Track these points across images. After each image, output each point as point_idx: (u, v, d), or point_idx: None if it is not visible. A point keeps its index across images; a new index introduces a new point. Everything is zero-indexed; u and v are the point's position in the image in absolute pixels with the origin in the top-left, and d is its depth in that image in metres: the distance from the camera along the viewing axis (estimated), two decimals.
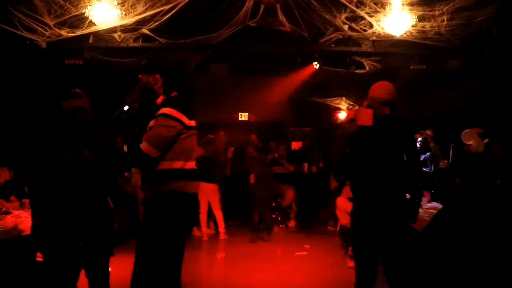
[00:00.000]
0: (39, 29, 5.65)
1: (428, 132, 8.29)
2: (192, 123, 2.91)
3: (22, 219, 4.35)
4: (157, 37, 6.47)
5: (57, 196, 3.12)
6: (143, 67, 3.18)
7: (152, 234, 2.79)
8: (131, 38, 6.54)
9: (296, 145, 11.14)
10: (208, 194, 7.32)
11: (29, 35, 5.77)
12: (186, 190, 2.86)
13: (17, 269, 4.06)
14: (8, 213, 4.63)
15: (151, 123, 2.84)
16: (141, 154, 2.73)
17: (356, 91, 9.65)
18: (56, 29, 5.66)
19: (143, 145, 2.73)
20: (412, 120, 3.49)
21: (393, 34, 5.91)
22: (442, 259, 2.77)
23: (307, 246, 6.84)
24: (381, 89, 3.15)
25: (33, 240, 3.47)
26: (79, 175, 3.12)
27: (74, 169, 3.10)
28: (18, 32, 5.60)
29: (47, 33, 5.75)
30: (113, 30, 6.20)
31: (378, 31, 6.01)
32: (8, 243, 3.94)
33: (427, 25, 5.67)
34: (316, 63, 8.47)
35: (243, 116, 12.30)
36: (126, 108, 2.85)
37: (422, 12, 5.43)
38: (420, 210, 4.93)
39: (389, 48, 6.76)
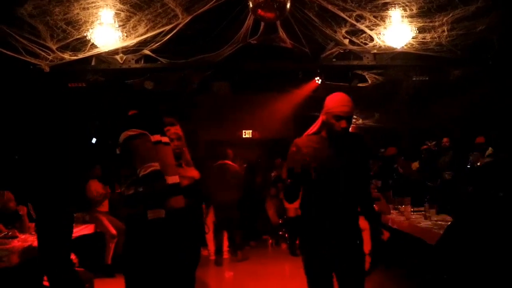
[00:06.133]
0: (42, 53, 5.69)
1: (429, 143, 8.25)
2: (156, 138, 2.90)
3: (28, 243, 4.32)
4: (158, 58, 6.50)
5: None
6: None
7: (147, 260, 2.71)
8: (133, 59, 6.57)
9: None
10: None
11: (33, 60, 5.81)
12: (168, 208, 2.80)
13: None
14: (15, 237, 4.61)
15: (118, 150, 2.82)
16: (156, 172, 2.68)
17: (359, 104, 9.65)
18: (59, 53, 5.70)
19: (149, 166, 2.68)
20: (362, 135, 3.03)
21: (394, 47, 5.91)
22: (457, 273, 2.71)
23: None
24: (334, 102, 2.78)
25: (40, 261, 3.47)
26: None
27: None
28: (22, 58, 5.64)
29: (50, 57, 5.79)
30: (115, 52, 6.24)
31: (379, 44, 6.01)
32: (15, 268, 3.91)
33: (428, 36, 5.67)
34: (318, 78, 8.48)
35: (247, 134, 12.30)
36: (94, 140, 2.89)
37: (422, 24, 5.44)
38: (429, 222, 4.89)
39: (390, 60, 6.75)
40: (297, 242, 7.37)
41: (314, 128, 2.87)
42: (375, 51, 6.46)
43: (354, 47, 6.33)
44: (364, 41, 6.06)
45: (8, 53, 5.43)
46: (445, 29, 5.44)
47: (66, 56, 5.80)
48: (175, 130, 3.46)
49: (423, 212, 5.30)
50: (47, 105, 7.42)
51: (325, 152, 2.72)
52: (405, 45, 5.86)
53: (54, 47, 5.57)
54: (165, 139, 3.01)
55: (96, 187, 6.56)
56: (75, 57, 5.87)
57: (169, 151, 3.02)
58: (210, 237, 7.55)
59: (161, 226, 2.67)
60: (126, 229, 2.92)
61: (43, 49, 5.59)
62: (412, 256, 5.09)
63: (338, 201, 2.68)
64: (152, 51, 6.29)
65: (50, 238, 4.09)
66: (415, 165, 7.80)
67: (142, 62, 6.71)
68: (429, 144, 8.20)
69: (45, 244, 4.08)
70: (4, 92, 6.72)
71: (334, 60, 6.85)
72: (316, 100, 10.24)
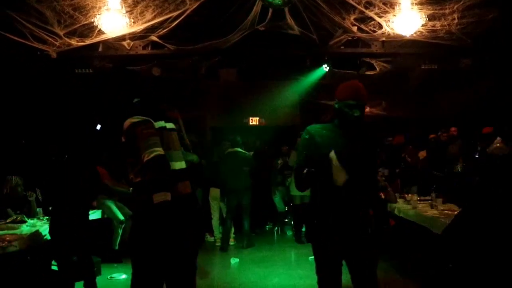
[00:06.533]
0: (50, 39, 5.69)
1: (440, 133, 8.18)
2: (160, 124, 2.88)
3: (37, 228, 4.37)
4: (166, 44, 6.48)
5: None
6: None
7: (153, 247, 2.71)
8: (140, 45, 6.55)
9: None
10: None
11: (40, 46, 5.82)
12: (175, 194, 2.80)
13: (33, 278, 4.08)
14: (23, 222, 4.65)
15: (123, 138, 2.81)
16: (160, 156, 2.67)
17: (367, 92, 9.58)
18: (66, 39, 5.70)
19: (153, 151, 2.67)
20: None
21: (403, 34, 5.85)
22: (464, 262, 2.70)
23: None
24: (348, 90, 2.71)
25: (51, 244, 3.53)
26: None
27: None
28: (29, 43, 5.64)
29: (57, 43, 5.79)
30: (122, 38, 6.22)
31: (388, 31, 5.96)
32: (24, 252, 3.95)
33: (438, 24, 5.60)
34: (325, 65, 8.43)
35: (254, 121, 12.27)
36: (99, 127, 2.86)
37: (432, 11, 5.37)
38: (435, 211, 4.88)
39: (399, 48, 6.69)
40: (302, 229, 7.42)
41: (327, 118, 2.86)
42: (383, 38, 6.41)
43: (363, 35, 6.28)
44: (372, 29, 6.01)
45: (16, 39, 5.44)
46: (456, 17, 5.37)
47: (73, 42, 5.80)
48: (172, 114, 3.43)
49: (429, 201, 5.29)
50: (54, 91, 7.44)
51: (338, 141, 2.69)
52: (414, 33, 5.80)
53: (61, 33, 5.57)
54: (169, 125, 3.00)
55: (102, 173, 6.56)
56: (82, 43, 5.87)
57: (174, 137, 3.01)
58: (216, 223, 7.59)
59: (167, 210, 2.68)
60: (133, 215, 2.94)
61: (51, 35, 5.60)
62: (418, 245, 5.09)
63: (348, 189, 2.66)
64: (159, 37, 6.26)
65: (59, 223, 4.13)
66: (423, 154, 7.76)
67: (149, 48, 6.69)
68: (440, 134, 8.13)
69: (55, 228, 4.12)
70: (11, 78, 6.74)
71: (342, 47, 6.80)
72: (323, 88, 10.22)
